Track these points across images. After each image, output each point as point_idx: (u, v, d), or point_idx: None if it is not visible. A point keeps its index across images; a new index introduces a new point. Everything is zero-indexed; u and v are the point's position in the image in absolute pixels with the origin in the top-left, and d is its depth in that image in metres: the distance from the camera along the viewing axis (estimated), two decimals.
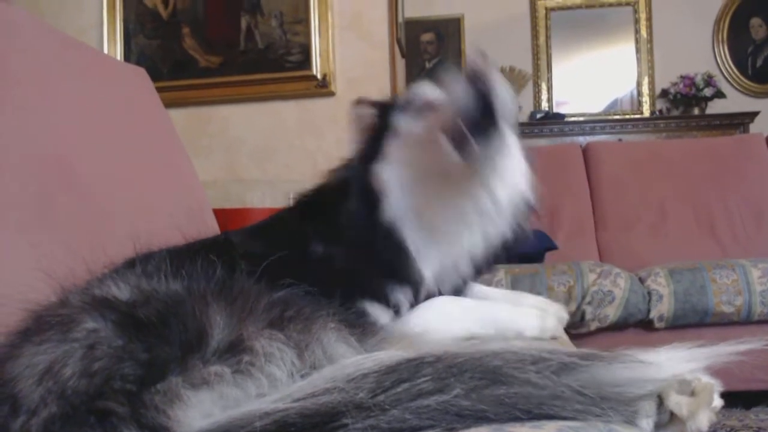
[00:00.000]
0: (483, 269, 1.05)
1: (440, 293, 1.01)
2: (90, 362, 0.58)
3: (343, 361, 0.56)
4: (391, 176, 0.97)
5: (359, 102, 1.10)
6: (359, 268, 0.95)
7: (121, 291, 0.68)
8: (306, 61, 3.39)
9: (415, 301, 1.01)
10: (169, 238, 0.96)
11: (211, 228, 1.67)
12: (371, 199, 0.97)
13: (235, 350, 0.59)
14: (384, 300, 0.97)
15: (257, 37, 3.49)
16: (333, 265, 0.95)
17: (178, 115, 3.26)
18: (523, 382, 0.47)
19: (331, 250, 0.96)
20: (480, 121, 0.86)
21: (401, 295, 0.99)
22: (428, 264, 0.98)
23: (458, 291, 1.05)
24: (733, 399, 2.46)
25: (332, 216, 0.99)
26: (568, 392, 0.47)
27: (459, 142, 0.86)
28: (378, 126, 1.05)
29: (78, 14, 3.58)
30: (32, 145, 1.14)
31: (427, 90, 1.00)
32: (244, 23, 3.50)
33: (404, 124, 1.01)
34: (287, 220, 1.09)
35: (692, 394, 0.51)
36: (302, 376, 0.57)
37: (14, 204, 1.04)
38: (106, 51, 3.49)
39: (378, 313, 0.97)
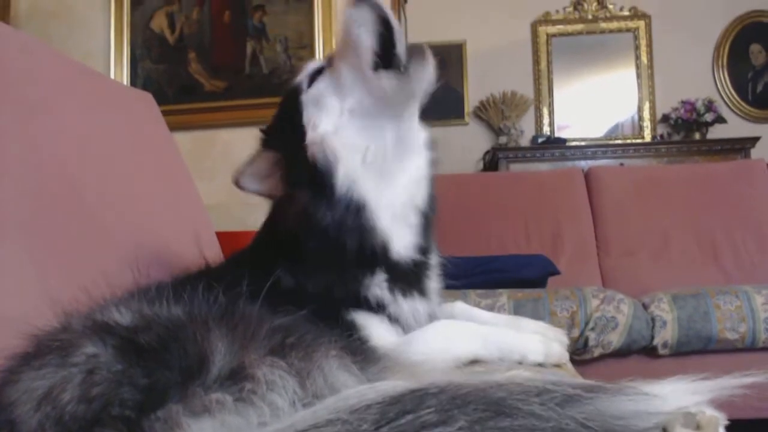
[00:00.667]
0: (430, 215, 1.06)
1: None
2: (89, 387, 0.57)
3: (346, 391, 0.55)
4: (326, 139, 1.00)
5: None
6: (328, 281, 0.96)
7: (122, 316, 0.68)
8: None
9: (392, 286, 1.00)
10: (173, 261, 0.96)
11: (214, 252, 1.67)
12: (315, 175, 0.98)
13: (236, 377, 0.59)
14: (365, 303, 0.97)
15: (262, 62, 3.53)
16: (303, 288, 0.96)
17: (183, 138, 3.29)
18: (528, 414, 0.47)
19: (297, 268, 0.97)
20: (389, 45, 0.97)
21: (378, 289, 0.98)
22: (385, 216, 0.98)
23: (422, 250, 1.04)
24: (739, 429, 2.42)
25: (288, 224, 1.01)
26: (573, 424, 0.47)
27: (384, 66, 0.96)
28: (288, 110, 1.08)
29: (85, 39, 3.63)
30: (38, 169, 1.15)
31: (312, 63, 1.10)
32: (249, 48, 3.55)
33: (315, 89, 1.04)
34: (253, 251, 1.12)
35: (697, 427, 0.50)
36: (304, 405, 0.56)
37: (18, 226, 1.04)
38: (112, 75, 3.54)
39: (367, 322, 0.96)
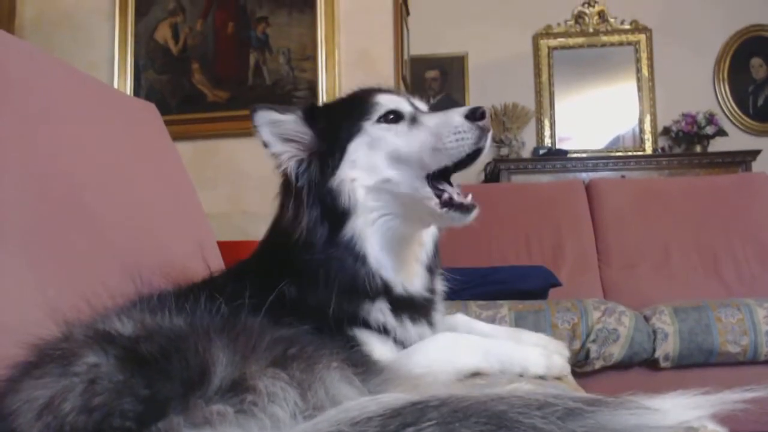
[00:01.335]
0: (433, 265, 1.14)
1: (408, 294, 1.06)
2: (90, 397, 0.57)
3: (347, 403, 0.55)
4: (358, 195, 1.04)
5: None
6: (323, 298, 0.98)
7: (124, 325, 0.68)
8: (313, 97, 3.45)
9: (397, 314, 1.03)
10: (174, 270, 0.97)
11: (215, 261, 1.67)
12: (332, 219, 1.02)
13: (237, 389, 0.59)
14: (365, 324, 1.00)
15: (265, 73, 3.55)
16: (306, 302, 0.98)
17: (185, 147, 3.30)
18: (529, 428, 0.47)
19: (300, 287, 0.99)
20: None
21: (380, 315, 1.02)
22: (387, 267, 1.04)
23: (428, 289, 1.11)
24: None
25: (295, 252, 1.02)
26: None
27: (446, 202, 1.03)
28: (349, 114, 1.09)
29: (89, 50, 3.66)
30: (40, 177, 1.15)
31: (396, 99, 1.11)
32: (252, 60, 3.57)
33: (381, 133, 1.06)
34: (256, 261, 1.12)
35: None
36: (305, 417, 0.56)
37: (19, 234, 1.05)
38: (116, 85, 3.56)
39: (369, 339, 0.97)
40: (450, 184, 1.07)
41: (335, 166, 1.04)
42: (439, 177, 1.05)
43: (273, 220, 1.14)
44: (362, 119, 1.07)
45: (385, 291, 1.03)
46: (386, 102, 1.09)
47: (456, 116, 1.03)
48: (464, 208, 1.03)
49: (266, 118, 1.07)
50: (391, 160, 1.05)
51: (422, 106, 1.15)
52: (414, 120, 1.08)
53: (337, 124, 1.08)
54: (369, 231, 1.03)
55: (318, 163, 1.05)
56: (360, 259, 1.01)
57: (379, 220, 1.05)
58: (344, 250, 1.01)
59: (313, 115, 1.09)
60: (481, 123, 1.02)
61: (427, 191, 1.03)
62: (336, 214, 1.02)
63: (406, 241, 1.09)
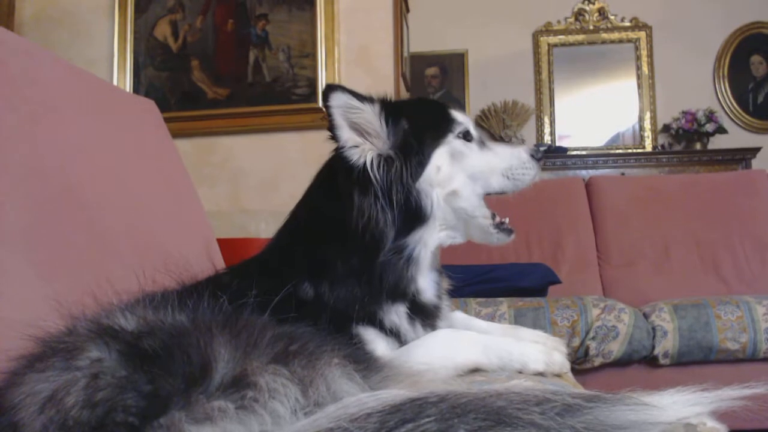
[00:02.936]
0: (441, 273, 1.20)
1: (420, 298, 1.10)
2: (93, 392, 0.57)
3: (346, 400, 0.55)
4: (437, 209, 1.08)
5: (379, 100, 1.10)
6: (350, 298, 0.99)
7: (127, 321, 0.68)
8: (312, 95, 3.45)
9: (413, 316, 1.06)
10: (174, 267, 0.97)
11: (215, 258, 1.68)
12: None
13: (239, 385, 0.59)
14: (379, 324, 0.99)
15: (265, 70, 3.55)
16: (323, 299, 0.98)
17: (184, 144, 3.30)
18: (527, 424, 0.47)
19: (321, 285, 1.00)
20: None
21: (395, 317, 1.01)
22: (424, 276, 1.10)
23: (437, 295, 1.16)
24: None
25: (325, 247, 1.03)
26: None
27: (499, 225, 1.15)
28: (434, 117, 1.13)
29: (89, 46, 3.65)
30: (40, 174, 1.15)
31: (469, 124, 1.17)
32: (252, 57, 3.57)
33: (462, 149, 1.12)
34: (275, 257, 1.11)
35: None
36: (306, 414, 0.57)
37: (21, 231, 1.05)
38: (116, 82, 3.55)
39: (372, 338, 0.97)
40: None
41: (420, 171, 1.05)
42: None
43: (302, 216, 1.12)
44: (447, 130, 1.11)
45: (413, 296, 1.07)
46: (464, 120, 1.15)
47: (524, 153, 1.15)
48: (510, 232, 1.17)
49: (342, 101, 1.02)
50: (465, 175, 1.11)
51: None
52: (482, 143, 1.16)
53: (421, 128, 1.09)
54: (431, 239, 1.08)
55: (404, 164, 1.03)
56: (413, 263, 1.05)
57: (440, 229, 1.10)
58: (402, 253, 1.04)
59: (389, 110, 1.06)
60: (538, 163, 1.16)
61: (486, 211, 1.14)
62: (412, 217, 1.04)
63: (437, 251, 1.15)
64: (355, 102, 1.02)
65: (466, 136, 1.14)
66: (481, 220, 1.13)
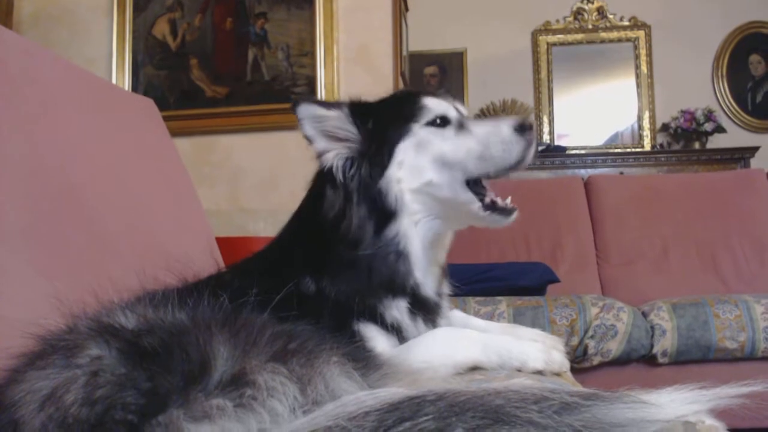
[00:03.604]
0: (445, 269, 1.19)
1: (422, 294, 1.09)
2: (93, 390, 0.58)
3: (345, 398, 0.56)
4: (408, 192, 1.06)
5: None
6: (351, 291, 1.00)
7: (127, 319, 0.69)
8: (311, 93, 3.45)
9: (414, 311, 1.06)
10: (173, 266, 0.97)
11: (214, 257, 1.68)
12: (380, 214, 1.05)
13: (237, 383, 0.59)
14: (380, 320, 0.99)
15: (264, 68, 3.55)
16: (325, 293, 1.00)
17: (183, 143, 3.29)
18: (526, 422, 0.47)
19: (323, 279, 1.01)
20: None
21: (396, 312, 1.03)
22: (422, 269, 1.08)
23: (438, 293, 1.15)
24: None
25: (322, 242, 1.05)
26: None
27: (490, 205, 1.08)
28: (398, 112, 1.10)
29: (87, 45, 3.65)
30: (39, 172, 1.15)
31: (445, 106, 1.12)
32: (251, 55, 3.56)
33: (431, 137, 1.08)
34: (276, 255, 1.12)
35: None
36: (304, 412, 0.57)
37: (20, 229, 1.05)
38: (114, 81, 3.55)
39: (373, 335, 0.98)
40: (483, 186, 1.11)
41: (384, 167, 1.06)
42: (474, 180, 1.10)
43: (301, 215, 1.15)
44: (411, 121, 1.09)
45: (412, 290, 1.07)
46: (434, 106, 1.11)
47: (505, 127, 1.06)
48: (506, 212, 1.10)
49: (310, 112, 1.07)
50: (436, 164, 1.08)
51: (464, 110, 1.18)
52: (461, 126, 1.11)
53: (385, 124, 1.09)
54: (413, 231, 1.07)
55: (367, 163, 1.06)
56: (403, 257, 1.05)
57: (422, 221, 1.08)
58: (388, 247, 1.04)
59: (358, 112, 1.09)
60: (527, 136, 1.06)
61: (469, 196, 1.08)
62: (383, 213, 1.05)
63: (438, 243, 1.13)
64: (321, 111, 1.07)
65: (442, 121, 1.10)
66: (469, 205, 1.08)
